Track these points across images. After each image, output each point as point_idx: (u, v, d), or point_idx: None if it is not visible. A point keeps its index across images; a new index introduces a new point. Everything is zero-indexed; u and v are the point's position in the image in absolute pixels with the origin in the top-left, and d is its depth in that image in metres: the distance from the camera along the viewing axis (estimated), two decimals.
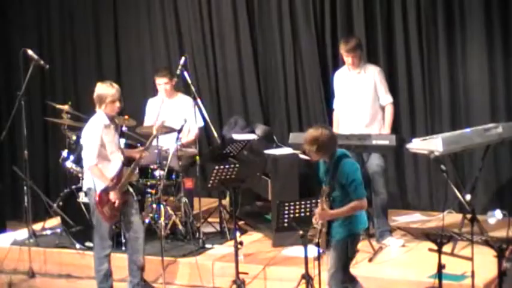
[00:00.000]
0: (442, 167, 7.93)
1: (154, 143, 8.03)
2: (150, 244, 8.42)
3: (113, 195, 7.58)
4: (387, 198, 8.45)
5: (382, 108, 8.46)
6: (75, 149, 9.01)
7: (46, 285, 8.68)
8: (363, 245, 8.18)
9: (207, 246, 8.58)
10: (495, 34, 8.98)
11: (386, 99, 8.46)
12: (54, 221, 9.36)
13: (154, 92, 9.42)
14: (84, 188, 7.86)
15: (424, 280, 7.23)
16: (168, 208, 8.73)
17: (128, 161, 7.80)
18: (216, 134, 9.22)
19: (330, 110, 9.00)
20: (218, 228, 9.03)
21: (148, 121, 9.22)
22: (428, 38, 9.28)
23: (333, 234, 6.70)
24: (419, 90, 9.41)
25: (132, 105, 9.66)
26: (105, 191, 7.60)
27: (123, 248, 8.47)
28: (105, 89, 7.62)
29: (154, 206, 8.68)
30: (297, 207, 7.26)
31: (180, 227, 8.76)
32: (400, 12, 9.36)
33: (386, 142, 8.02)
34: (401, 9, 9.35)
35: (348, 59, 8.38)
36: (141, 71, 10.59)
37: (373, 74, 8.42)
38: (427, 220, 9.11)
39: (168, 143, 8.62)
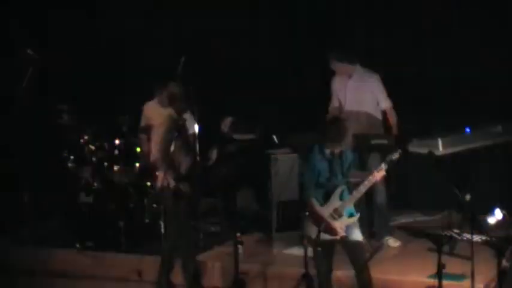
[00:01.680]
0: (443, 167, 7.93)
1: None
2: (150, 244, 8.41)
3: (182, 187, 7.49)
4: (387, 198, 8.44)
5: (382, 113, 8.43)
6: (75, 149, 9.01)
7: (46, 285, 8.68)
8: None
9: (207, 246, 8.58)
10: (493, 34, 8.98)
11: (386, 103, 8.41)
12: (54, 221, 9.36)
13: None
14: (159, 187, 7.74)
15: (424, 280, 7.23)
16: None
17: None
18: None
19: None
20: (218, 228, 9.03)
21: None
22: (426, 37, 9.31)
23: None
24: (417, 90, 9.41)
25: (131, 105, 9.63)
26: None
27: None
28: (175, 89, 7.70)
29: (154, 206, 8.68)
30: (297, 207, 7.27)
31: None
32: (398, 12, 9.38)
33: (385, 142, 8.02)
34: (399, 8, 9.37)
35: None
36: (141, 71, 10.57)
37: (370, 83, 8.38)
38: (427, 220, 9.10)
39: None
